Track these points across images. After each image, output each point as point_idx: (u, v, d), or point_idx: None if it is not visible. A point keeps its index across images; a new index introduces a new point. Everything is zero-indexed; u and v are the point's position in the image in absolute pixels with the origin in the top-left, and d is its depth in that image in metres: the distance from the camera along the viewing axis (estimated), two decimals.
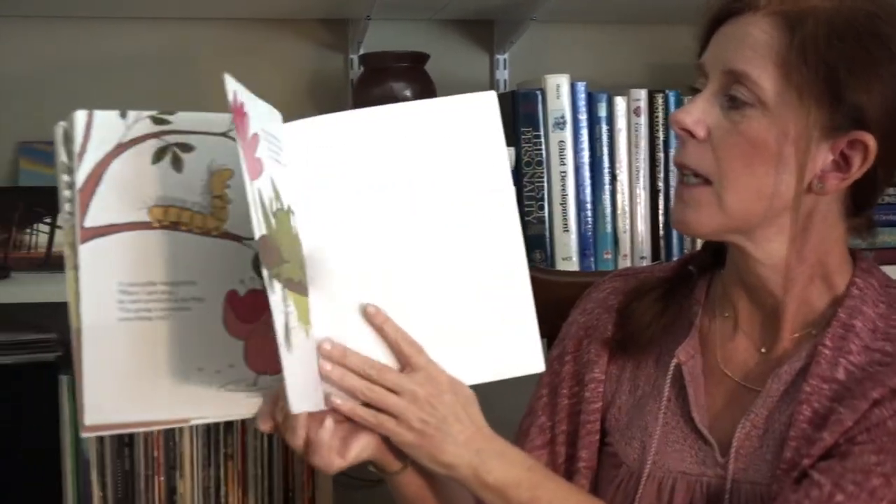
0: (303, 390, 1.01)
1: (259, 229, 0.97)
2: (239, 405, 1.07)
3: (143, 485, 1.64)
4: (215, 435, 1.65)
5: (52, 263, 1.84)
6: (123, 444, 1.63)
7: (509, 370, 1.13)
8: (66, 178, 1.02)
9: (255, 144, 1.00)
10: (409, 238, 1.10)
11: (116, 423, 1.02)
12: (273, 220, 1.00)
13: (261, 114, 1.02)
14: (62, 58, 1.97)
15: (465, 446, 1.09)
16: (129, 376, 1.01)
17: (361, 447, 1.10)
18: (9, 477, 1.64)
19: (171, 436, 1.64)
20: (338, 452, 1.08)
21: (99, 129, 1.03)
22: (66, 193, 1.02)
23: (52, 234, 1.87)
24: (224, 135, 1.07)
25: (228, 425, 1.65)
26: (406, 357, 1.09)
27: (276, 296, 0.97)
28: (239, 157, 0.96)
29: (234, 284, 1.07)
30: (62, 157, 1.02)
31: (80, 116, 1.02)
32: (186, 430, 1.62)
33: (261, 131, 1.01)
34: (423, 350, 1.10)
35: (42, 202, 1.88)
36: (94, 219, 1.03)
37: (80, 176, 1.01)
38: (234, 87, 0.98)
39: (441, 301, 1.11)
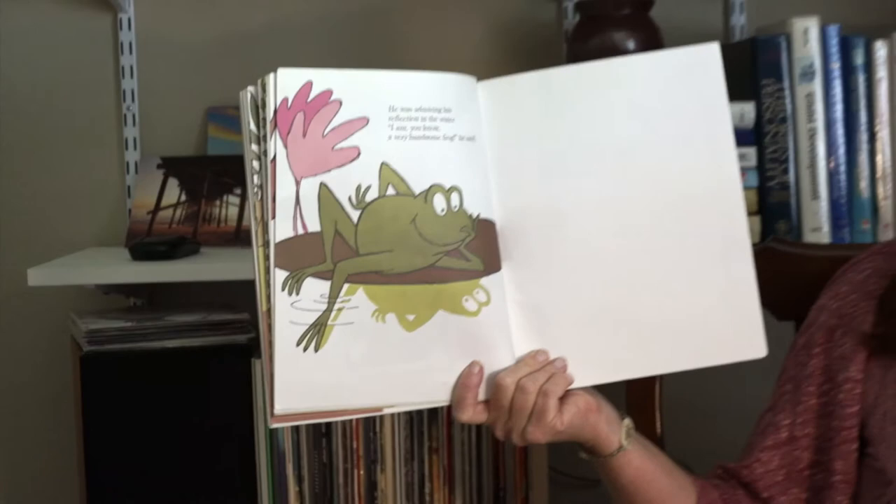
0: (337, 386, 1.05)
1: (289, 229, 1.01)
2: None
3: (341, 479, 1.63)
4: (419, 426, 1.64)
5: (243, 238, 1.85)
6: (321, 434, 1.63)
7: (728, 355, 1.13)
8: (254, 147, 1.02)
9: (349, 132, 1.03)
10: (621, 207, 1.10)
11: (307, 411, 1.05)
12: (352, 214, 1.03)
13: (387, 91, 1.05)
14: (250, 19, 1.99)
15: None
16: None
17: (573, 412, 1.10)
18: (200, 468, 1.65)
19: (370, 426, 1.63)
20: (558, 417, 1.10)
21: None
22: (254, 165, 1.02)
23: (241, 207, 1.89)
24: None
25: (433, 416, 1.62)
26: None
27: (297, 296, 1.02)
28: (277, 155, 1.01)
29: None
30: (251, 125, 1.02)
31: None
32: (388, 420, 1.61)
33: (381, 111, 1.04)
34: None
35: (232, 172, 1.91)
36: None
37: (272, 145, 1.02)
38: (304, 80, 1.01)
39: (655, 278, 1.11)
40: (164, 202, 1.91)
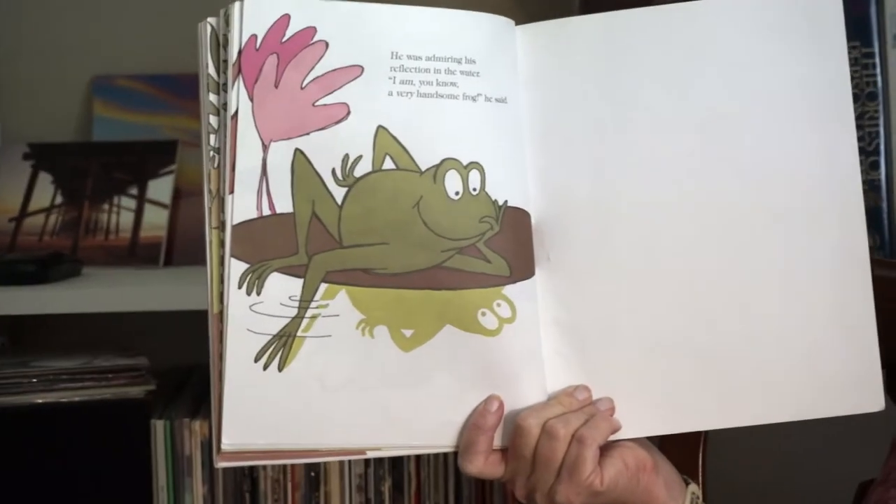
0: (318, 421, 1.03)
1: (252, 208, 0.99)
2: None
3: None
4: (377, 498, 1.61)
5: (141, 255, 1.81)
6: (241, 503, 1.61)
7: (834, 406, 1.10)
8: (213, 99, 1.00)
9: (336, 83, 1.01)
10: (700, 200, 1.07)
11: (266, 448, 1.02)
12: (336, 192, 1.01)
13: (389, 32, 1.03)
14: None
15: None
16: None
17: (618, 468, 1.07)
18: None
19: (311, 490, 1.61)
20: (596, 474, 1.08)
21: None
22: (211, 121, 1.00)
23: (139, 211, 1.83)
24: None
25: (397, 486, 1.59)
26: None
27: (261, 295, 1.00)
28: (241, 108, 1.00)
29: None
30: (209, 68, 1.00)
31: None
32: (335, 494, 1.59)
33: (380, 58, 1.02)
34: None
35: (126, 164, 1.86)
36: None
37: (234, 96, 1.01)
38: (279, 13, 1.00)
39: (741, 301, 1.07)
40: (33, 205, 1.86)
